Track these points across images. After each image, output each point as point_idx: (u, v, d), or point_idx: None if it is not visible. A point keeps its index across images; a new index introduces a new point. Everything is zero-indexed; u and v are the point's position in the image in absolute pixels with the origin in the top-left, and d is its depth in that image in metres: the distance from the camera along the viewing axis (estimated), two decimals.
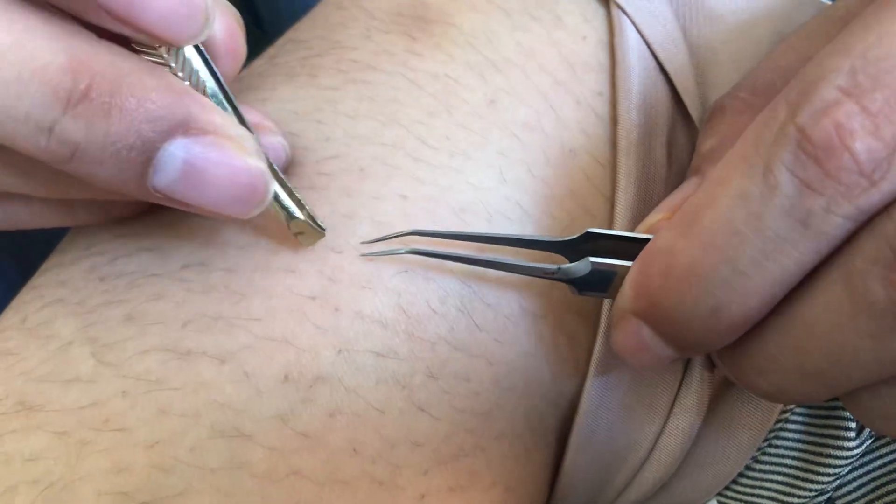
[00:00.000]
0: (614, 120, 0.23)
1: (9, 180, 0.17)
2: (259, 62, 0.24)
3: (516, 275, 0.20)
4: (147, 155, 0.16)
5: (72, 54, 0.15)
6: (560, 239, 0.19)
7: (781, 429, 0.23)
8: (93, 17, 0.16)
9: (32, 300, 0.20)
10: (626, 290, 0.18)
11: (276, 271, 0.19)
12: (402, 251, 0.19)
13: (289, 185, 0.19)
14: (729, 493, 0.24)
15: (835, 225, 0.15)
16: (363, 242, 0.19)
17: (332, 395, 0.18)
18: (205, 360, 0.18)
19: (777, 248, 0.15)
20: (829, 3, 0.23)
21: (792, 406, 0.23)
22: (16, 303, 0.21)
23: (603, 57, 0.23)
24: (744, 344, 0.17)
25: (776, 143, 0.15)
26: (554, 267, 0.19)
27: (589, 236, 0.19)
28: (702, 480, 0.23)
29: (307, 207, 0.19)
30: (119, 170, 0.16)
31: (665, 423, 0.22)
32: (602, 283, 0.19)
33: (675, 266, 0.16)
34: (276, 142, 0.20)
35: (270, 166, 0.18)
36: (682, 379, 0.22)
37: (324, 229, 0.19)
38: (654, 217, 0.19)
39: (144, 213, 0.20)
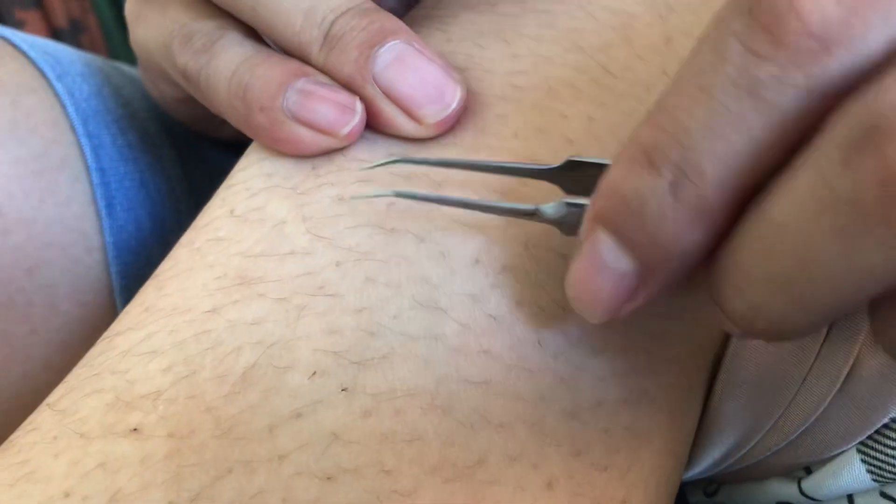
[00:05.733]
0: None
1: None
2: None
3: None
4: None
5: None
6: (543, 167, 0.18)
7: None
8: None
9: (238, 192, 0.22)
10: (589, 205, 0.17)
11: None
12: (389, 193, 0.19)
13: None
14: (869, 443, 0.23)
15: (786, 96, 0.14)
16: (361, 169, 0.20)
17: (519, 285, 0.19)
18: (407, 237, 0.19)
19: (726, 122, 0.14)
20: None
21: None
22: (216, 201, 0.22)
23: None
24: (720, 258, 0.16)
25: (729, 14, 0.14)
26: (531, 207, 0.18)
27: (573, 164, 0.18)
28: (842, 426, 0.23)
29: None
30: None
31: (813, 362, 0.22)
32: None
33: (634, 149, 0.15)
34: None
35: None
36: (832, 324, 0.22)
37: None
38: None
39: None
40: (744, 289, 0.15)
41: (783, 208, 0.14)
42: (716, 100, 0.14)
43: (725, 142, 0.14)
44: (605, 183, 0.16)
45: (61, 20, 0.78)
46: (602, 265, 0.16)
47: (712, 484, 0.28)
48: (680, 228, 0.15)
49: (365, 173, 0.21)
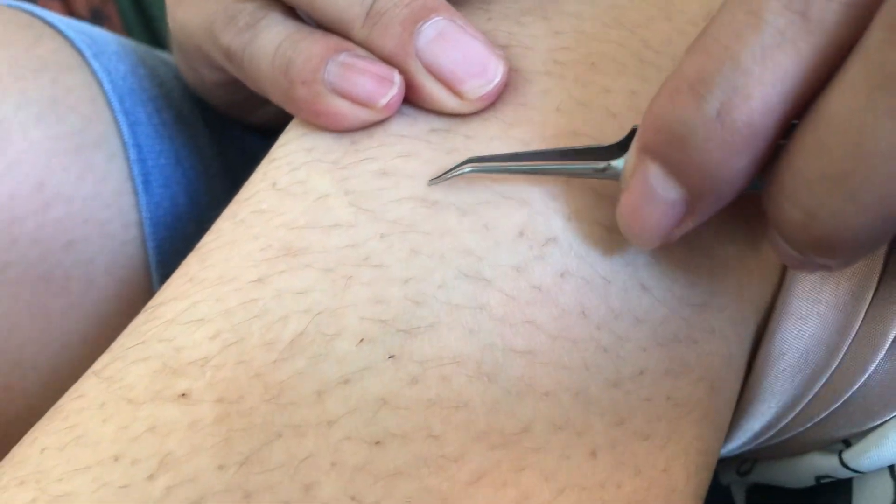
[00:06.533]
0: None
1: None
2: None
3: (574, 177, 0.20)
4: None
5: None
6: (609, 144, 0.19)
7: None
8: None
9: (280, 167, 0.22)
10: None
11: (510, 140, 0.20)
12: (465, 170, 0.20)
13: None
14: None
15: (834, 13, 0.14)
16: (431, 181, 0.20)
17: (563, 257, 0.19)
18: (450, 210, 0.20)
19: (777, 45, 0.15)
20: None
21: None
22: (258, 175, 0.23)
23: None
24: (774, 171, 0.16)
25: None
26: (603, 164, 0.19)
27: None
28: (887, 393, 0.23)
29: None
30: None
31: (859, 328, 0.22)
32: None
33: (680, 80, 0.16)
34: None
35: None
36: (878, 286, 0.22)
37: None
38: None
39: None
40: (798, 193, 0.15)
41: (835, 101, 0.14)
42: (766, 22, 0.14)
43: (775, 65, 0.15)
44: (651, 115, 0.16)
45: (82, 10, 0.78)
46: (652, 195, 0.17)
47: (746, 462, 0.28)
48: (727, 156, 0.16)
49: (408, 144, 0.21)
